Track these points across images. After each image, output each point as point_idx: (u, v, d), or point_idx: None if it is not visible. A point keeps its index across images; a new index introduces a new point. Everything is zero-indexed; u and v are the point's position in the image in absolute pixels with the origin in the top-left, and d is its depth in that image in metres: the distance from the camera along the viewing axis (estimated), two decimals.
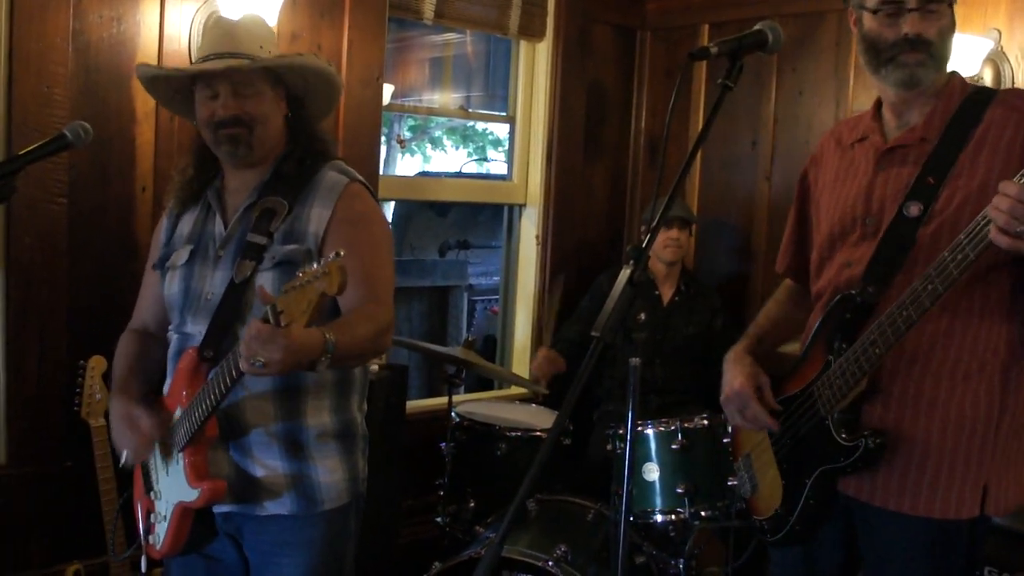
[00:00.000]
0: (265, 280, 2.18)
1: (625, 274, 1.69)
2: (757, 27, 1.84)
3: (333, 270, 1.81)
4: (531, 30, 4.62)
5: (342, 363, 2.10)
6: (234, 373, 2.02)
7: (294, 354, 1.91)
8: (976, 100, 2.05)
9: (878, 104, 2.19)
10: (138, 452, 2.29)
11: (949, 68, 2.10)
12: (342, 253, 1.84)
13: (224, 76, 2.20)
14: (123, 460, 2.34)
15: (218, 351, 2.19)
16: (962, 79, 2.14)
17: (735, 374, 2.24)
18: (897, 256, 2.02)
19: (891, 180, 2.09)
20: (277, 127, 2.31)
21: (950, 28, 2.04)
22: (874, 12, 2.04)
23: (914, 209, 2.01)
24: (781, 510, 2.21)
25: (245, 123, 2.22)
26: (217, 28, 2.28)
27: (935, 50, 2.01)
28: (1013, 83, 3.70)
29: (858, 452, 2.02)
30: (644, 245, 1.71)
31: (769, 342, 2.39)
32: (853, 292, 2.06)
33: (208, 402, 2.09)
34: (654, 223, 1.75)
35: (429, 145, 10.45)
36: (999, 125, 1.99)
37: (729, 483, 3.13)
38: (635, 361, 1.75)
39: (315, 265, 1.84)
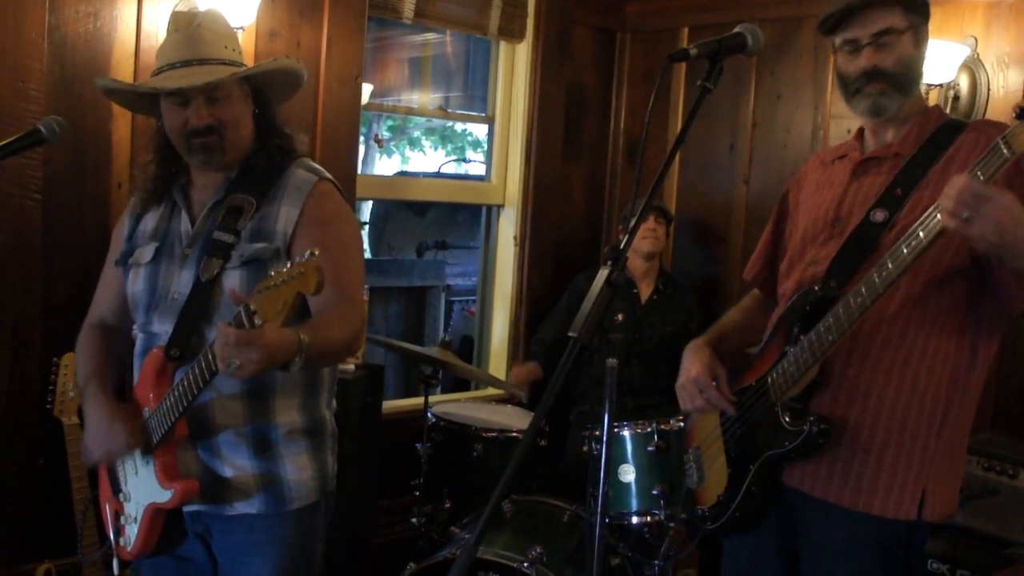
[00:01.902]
0: (233, 278, 2.17)
1: (603, 274, 1.69)
2: (736, 30, 1.84)
3: (310, 270, 1.80)
4: (511, 31, 4.62)
5: (315, 364, 2.09)
6: (207, 375, 2.01)
7: (269, 356, 1.91)
8: (951, 127, 2.14)
9: (861, 129, 2.29)
10: (111, 458, 2.26)
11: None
12: (316, 252, 1.82)
13: (176, 90, 2.17)
14: (91, 459, 2.30)
15: (184, 350, 2.17)
16: (941, 111, 2.25)
17: (693, 363, 2.29)
18: (859, 256, 2.08)
19: (863, 188, 2.18)
20: (247, 128, 2.29)
21: (912, 53, 2.12)
22: (837, 51, 2.17)
23: (879, 215, 2.09)
24: (724, 497, 2.25)
25: (217, 130, 2.19)
26: (179, 32, 2.21)
27: (895, 78, 2.10)
28: (989, 89, 3.74)
29: (801, 436, 2.06)
30: (622, 246, 1.71)
31: (731, 343, 2.43)
32: (815, 286, 2.12)
33: (179, 403, 2.08)
34: (633, 222, 1.75)
35: (407, 145, 10.43)
36: (968, 147, 2.06)
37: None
38: (612, 362, 1.76)
39: (289, 264, 1.83)
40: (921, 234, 1.85)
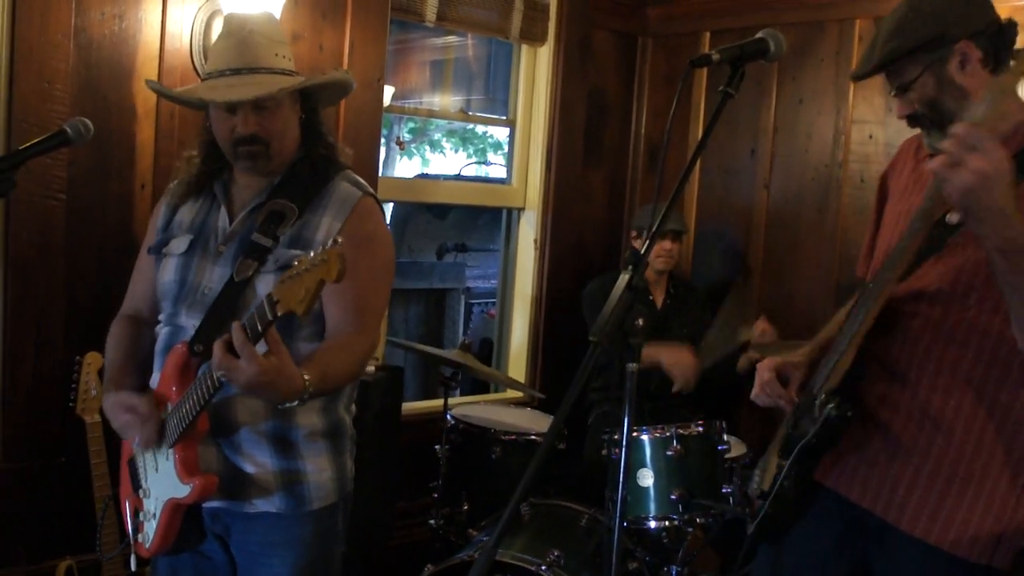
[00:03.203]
0: (267, 282, 2.17)
1: (624, 279, 1.69)
2: (759, 35, 1.84)
3: (332, 257, 1.80)
4: (532, 35, 4.63)
5: (315, 398, 2.11)
6: (216, 379, 2.03)
7: (256, 387, 1.94)
8: None
9: None
10: (147, 434, 2.20)
11: None
12: (340, 240, 1.83)
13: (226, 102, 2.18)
14: (136, 446, 2.28)
15: (208, 347, 2.15)
16: None
17: (763, 364, 2.26)
18: (925, 256, 2.02)
19: None
20: (293, 136, 2.30)
21: (933, 93, 2.03)
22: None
23: (955, 217, 1.98)
24: (763, 494, 2.20)
25: (263, 140, 2.21)
26: (230, 37, 2.22)
27: (927, 119, 2.06)
28: None
29: (819, 422, 2.00)
30: (643, 251, 1.72)
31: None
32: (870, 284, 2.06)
33: (198, 397, 2.08)
34: (653, 229, 1.75)
35: (428, 147, 10.45)
36: None
37: (724, 490, 3.16)
38: (632, 366, 1.75)
39: (312, 253, 1.83)
40: (927, 200, 1.84)
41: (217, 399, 2.11)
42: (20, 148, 2.08)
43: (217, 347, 1.93)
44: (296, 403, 2.01)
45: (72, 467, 3.28)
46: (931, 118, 2.04)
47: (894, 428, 2.05)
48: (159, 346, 2.33)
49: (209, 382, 2.04)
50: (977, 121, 1.69)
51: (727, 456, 3.24)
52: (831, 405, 1.99)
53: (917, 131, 2.18)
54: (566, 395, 1.64)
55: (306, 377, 1.99)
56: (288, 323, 2.18)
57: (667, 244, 4.22)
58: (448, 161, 10.47)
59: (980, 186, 1.66)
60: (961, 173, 1.66)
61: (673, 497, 3.10)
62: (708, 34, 4.78)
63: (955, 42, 2.00)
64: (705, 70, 4.72)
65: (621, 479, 1.80)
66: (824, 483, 2.15)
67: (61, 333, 3.34)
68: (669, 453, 3.12)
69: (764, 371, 2.22)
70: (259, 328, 1.91)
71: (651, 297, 4.28)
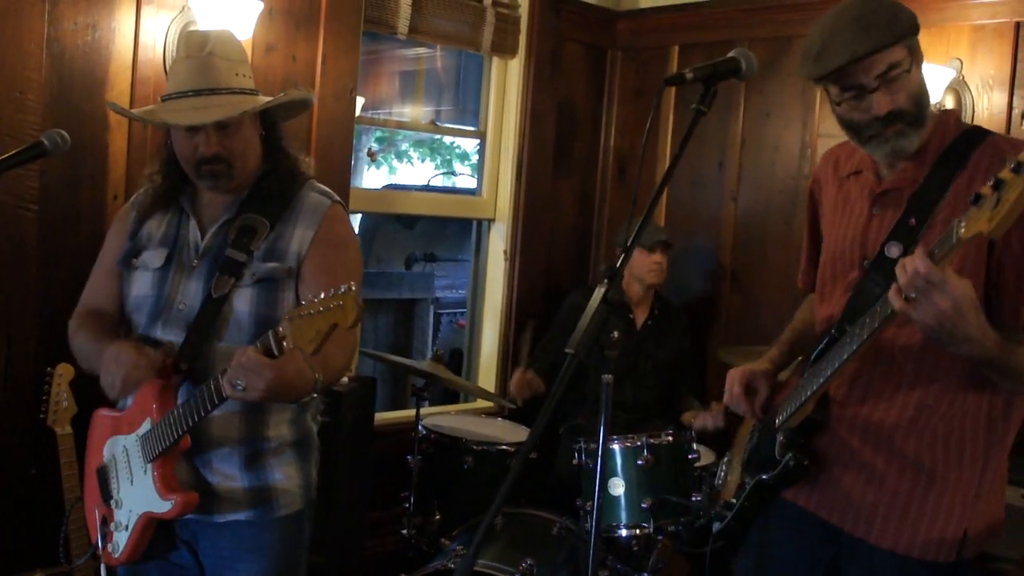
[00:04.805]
0: (244, 297, 2.21)
1: (599, 293, 1.73)
2: (731, 54, 1.88)
3: (349, 303, 1.82)
4: (504, 47, 4.67)
5: (324, 391, 2.19)
6: (215, 399, 2.05)
7: (277, 388, 1.97)
8: (966, 141, 2.04)
9: None
10: (128, 380, 2.17)
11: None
12: (353, 287, 1.85)
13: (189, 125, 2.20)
14: (113, 390, 2.22)
15: (192, 365, 2.21)
16: (957, 117, 2.15)
17: (735, 372, 2.28)
18: (874, 293, 2.01)
19: (885, 222, 2.10)
20: (255, 152, 2.33)
21: (920, 83, 2.01)
22: (838, 101, 2.03)
23: (895, 250, 2.02)
24: (728, 502, 2.30)
25: (226, 160, 2.23)
26: (191, 59, 2.23)
27: (911, 115, 1.99)
28: (973, 111, 3.81)
29: (779, 467, 2.11)
30: (618, 265, 1.75)
31: (798, 353, 2.39)
32: (831, 328, 2.11)
33: (185, 419, 2.10)
34: (630, 243, 1.79)
35: (395, 158, 10.44)
36: (984, 171, 1.96)
37: (693, 498, 3.20)
38: (607, 378, 1.78)
39: (323, 295, 1.85)
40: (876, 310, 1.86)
41: None
42: None
43: (239, 354, 1.96)
44: (309, 399, 2.08)
45: (42, 479, 3.26)
46: (915, 116, 2.00)
47: (852, 446, 2.10)
48: None
49: (208, 400, 2.05)
50: (939, 255, 1.68)
51: (696, 464, 3.28)
52: (790, 455, 2.09)
53: (843, 140, 2.18)
54: (544, 406, 1.67)
55: (317, 376, 2.06)
56: (268, 327, 2.19)
57: (657, 256, 4.21)
58: (415, 171, 10.47)
59: (948, 321, 1.69)
60: (925, 312, 1.69)
61: (644, 506, 3.13)
62: (677, 48, 4.84)
63: (918, 32, 2.02)
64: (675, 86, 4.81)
65: (597, 488, 1.83)
66: (795, 503, 2.20)
67: (32, 344, 3.32)
68: (640, 462, 3.15)
69: (734, 385, 2.25)
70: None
71: (631, 315, 4.26)
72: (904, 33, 1.96)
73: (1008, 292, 1.95)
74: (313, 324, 1.84)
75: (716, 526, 2.32)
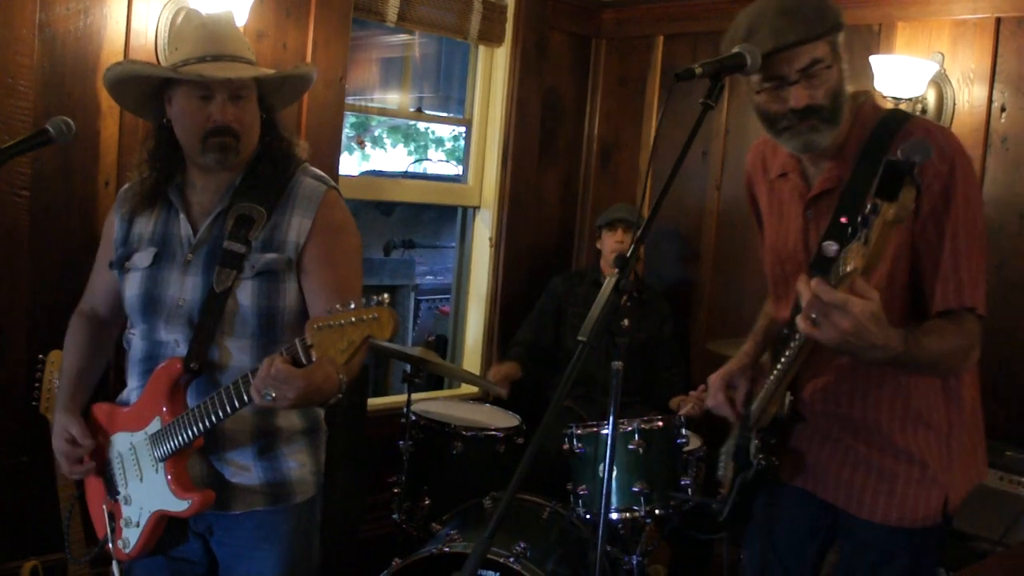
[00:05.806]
0: (246, 290, 2.18)
1: (611, 281, 1.77)
2: (736, 50, 1.93)
3: (385, 316, 1.81)
4: (491, 35, 4.69)
5: (344, 394, 2.17)
6: (236, 403, 2.05)
7: (306, 396, 1.98)
8: (885, 130, 2.07)
9: None
10: (78, 472, 2.33)
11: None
12: (387, 298, 1.86)
13: (225, 82, 2.16)
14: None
15: (203, 363, 2.18)
16: (872, 103, 2.16)
17: (716, 373, 2.32)
18: None
19: (821, 224, 2.15)
20: (257, 132, 2.29)
21: (840, 82, 2.03)
22: (758, 92, 2.06)
23: (832, 249, 1.99)
24: (725, 497, 2.35)
25: (235, 133, 2.19)
26: (205, 28, 2.20)
27: (827, 112, 2.01)
28: (955, 104, 3.88)
29: (751, 471, 2.19)
30: (629, 254, 1.79)
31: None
32: (784, 329, 2.14)
33: (201, 421, 2.10)
34: (639, 234, 1.83)
35: (370, 143, 10.40)
36: None
37: (682, 482, 3.26)
38: (617, 364, 1.83)
39: (353, 305, 1.84)
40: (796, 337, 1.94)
41: None
42: (1, 148, 2.07)
43: (267, 364, 1.96)
44: (336, 398, 2.09)
45: (35, 467, 3.26)
46: (831, 112, 2.02)
47: (832, 435, 2.21)
48: (137, 358, 2.31)
49: (229, 404, 2.06)
50: (834, 281, 1.72)
51: (685, 449, 3.34)
52: (760, 456, 2.17)
53: (764, 137, 2.21)
54: (557, 392, 1.70)
55: (341, 377, 2.05)
56: (273, 319, 2.22)
57: (618, 235, 4.33)
58: (389, 156, 10.43)
59: (852, 337, 1.73)
60: (828, 332, 1.74)
61: (635, 490, 3.18)
62: (661, 38, 4.87)
63: (842, 29, 2.04)
64: (659, 70, 4.85)
65: (607, 474, 1.87)
66: (791, 484, 2.29)
67: (24, 331, 3.32)
68: (631, 447, 3.21)
69: (715, 389, 2.28)
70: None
71: None
72: (829, 29, 1.99)
73: (927, 278, 2.03)
74: (345, 335, 1.83)
75: (719, 511, 2.37)
